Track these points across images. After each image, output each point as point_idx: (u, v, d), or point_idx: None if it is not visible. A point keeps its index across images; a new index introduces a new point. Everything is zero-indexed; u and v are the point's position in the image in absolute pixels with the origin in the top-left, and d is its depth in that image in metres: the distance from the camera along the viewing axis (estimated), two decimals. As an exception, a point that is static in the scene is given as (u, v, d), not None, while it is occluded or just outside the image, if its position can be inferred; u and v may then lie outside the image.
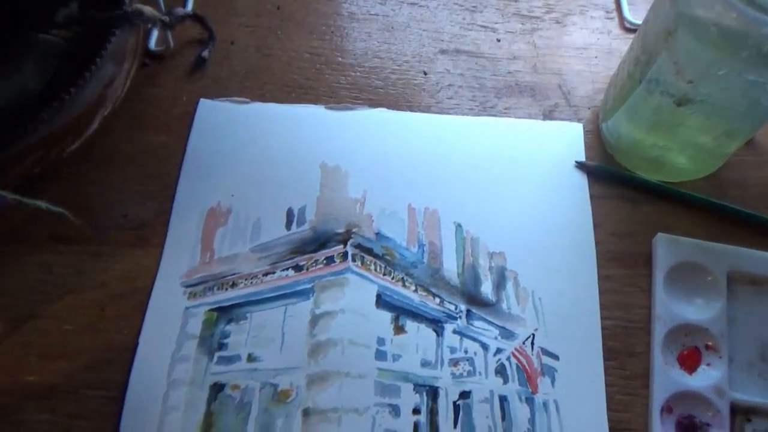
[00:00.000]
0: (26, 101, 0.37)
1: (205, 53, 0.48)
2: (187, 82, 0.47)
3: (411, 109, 0.47)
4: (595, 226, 0.43)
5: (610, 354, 0.39)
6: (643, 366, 0.39)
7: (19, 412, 0.36)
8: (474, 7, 0.53)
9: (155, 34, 0.49)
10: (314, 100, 0.47)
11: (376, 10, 0.52)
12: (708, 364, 0.39)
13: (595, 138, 0.47)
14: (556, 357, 0.39)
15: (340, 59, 0.49)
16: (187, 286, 0.40)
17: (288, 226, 0.42)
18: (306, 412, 0.36)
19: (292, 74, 0.48)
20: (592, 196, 0.44)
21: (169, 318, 0.39)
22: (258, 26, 0.51)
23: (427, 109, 0.47)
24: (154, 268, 0.40)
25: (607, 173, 0.45)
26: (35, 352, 0.38)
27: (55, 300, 0.39)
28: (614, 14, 0.53)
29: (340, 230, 0.42)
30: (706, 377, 0.38)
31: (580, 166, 0.45)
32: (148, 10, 0.41)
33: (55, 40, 0.39)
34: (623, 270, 0.42)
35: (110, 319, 0.39)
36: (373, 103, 0.47)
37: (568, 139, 0.46)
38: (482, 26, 0.52)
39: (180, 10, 0.46)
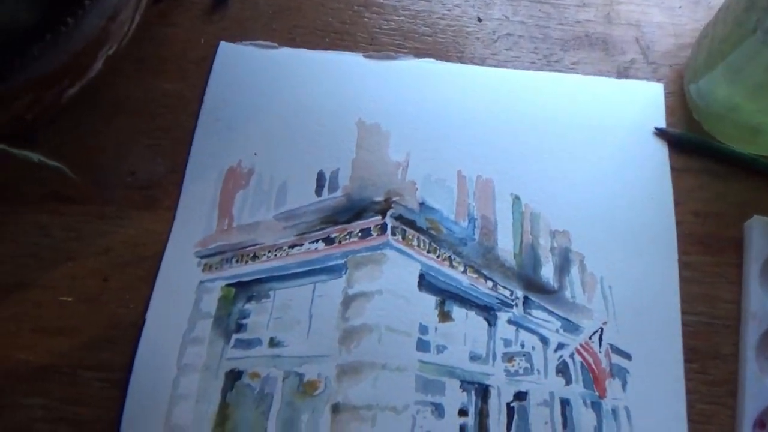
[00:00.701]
0: (15, 34, 0.32)
1: (227, -11, 0.44)
2: (206, 23, 0.43)
3: (462, 60, 0.42)
4: (676, 204, 0.39)
5: (691, 355, 0.35)
6: (729, 371, 0.35)
7: (7, 394, 0.33)
8: (538, -56, 0.46)
9: (170, -36, 0.43)
10: (351, 47, 0.42)
11: (423, -54, 0.46)
12: (810, 373, 0.33)
13: (678, 101, 0.41)
14: (627, 356, 0.35)
15: (381, 0, 0.44)
16: (202, 257, 0.36)
17: (318, 191, 0.38)
18: (335, 408, 0.33)
19: (327, 16, 0.43)
20: (672, 169, 0.39)
21: (180, 293, 0.35)
22: (288, -40, 0.45)
23: (481, 62, 0.42)
24: (164, 235, 0.37)
25: (693, 143, 0.39)
26: (27, 326, 0.35)
27: (51, 267, 0.36)
28: (702, -43, 0.46)
29: (379, 198, 0.38)
30: (809, 389, 0.33)
31: (659, 133, 0.40)
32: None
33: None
34: (708, 257, 0.37)
35: (114, 291, 0.36)
36: (419, 53, 0.42)
37: (645, 102, 0.41)
38: (547, -33, 0.45)
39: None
